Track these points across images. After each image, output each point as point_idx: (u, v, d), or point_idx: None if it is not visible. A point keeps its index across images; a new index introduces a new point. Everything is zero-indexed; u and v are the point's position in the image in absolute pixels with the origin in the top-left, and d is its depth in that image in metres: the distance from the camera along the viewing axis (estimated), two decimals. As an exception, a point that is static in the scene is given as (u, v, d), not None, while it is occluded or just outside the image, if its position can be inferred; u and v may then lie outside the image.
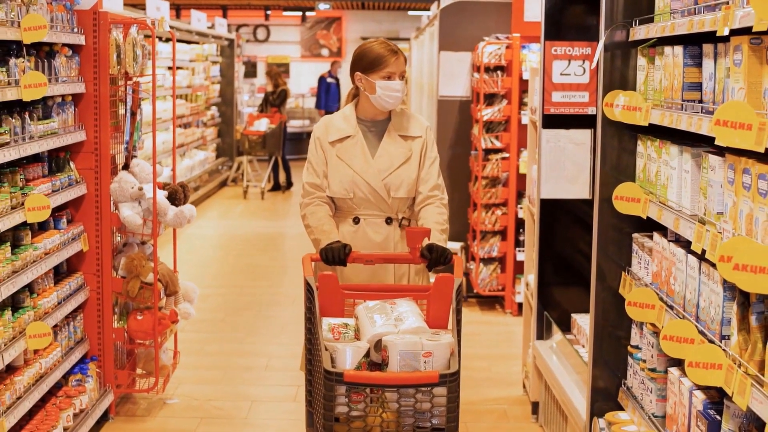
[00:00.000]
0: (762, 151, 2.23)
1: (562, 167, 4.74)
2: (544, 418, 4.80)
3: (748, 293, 2.43)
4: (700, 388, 2.83)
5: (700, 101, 2.88)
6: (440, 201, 3.80)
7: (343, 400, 2.95)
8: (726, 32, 2.48)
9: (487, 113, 7.06)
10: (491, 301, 7.31)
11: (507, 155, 7.07)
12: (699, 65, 2.88)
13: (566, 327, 4.71)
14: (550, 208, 4.86)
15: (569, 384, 4.25)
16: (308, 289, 3.26)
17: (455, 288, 3.29)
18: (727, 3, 2.52)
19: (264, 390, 5.40)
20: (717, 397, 2.75)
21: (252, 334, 6.57)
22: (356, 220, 3.77)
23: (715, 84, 2.73)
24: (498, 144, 7.08)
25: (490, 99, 7.18)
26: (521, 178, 6.78)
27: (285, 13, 20.94)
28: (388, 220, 3.78)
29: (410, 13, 20.15)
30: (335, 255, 3.50)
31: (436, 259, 3.49)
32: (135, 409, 5.01)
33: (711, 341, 2.62)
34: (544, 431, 4.75)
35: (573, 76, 4.68)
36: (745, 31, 2.38)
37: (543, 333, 4.89)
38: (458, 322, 3.21)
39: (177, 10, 17.93)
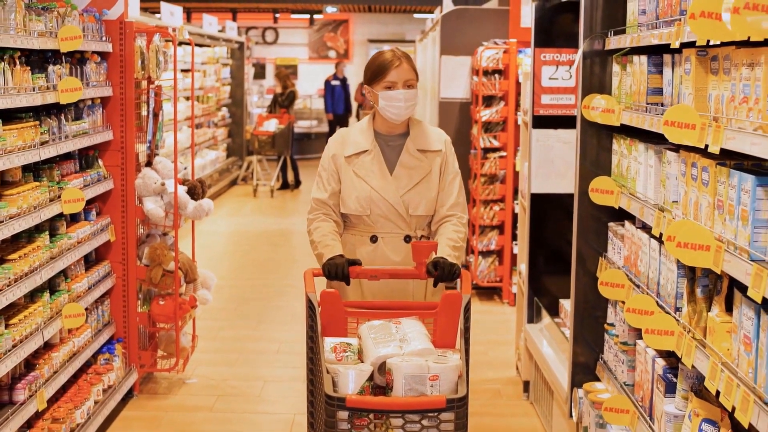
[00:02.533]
0: (703, 147, 2.63)
1: (551, 164, 5.15)
2: (534, 395, 5.20)
3: (695, 270, 2.83)
4: (661, 356, 3.23)
5: (662, 104, 3.27)
6: (458, 219, 3.64)
7: (346, 426, 2.82)
8: (678, 45, 2.88)
9: (485, 114, 7.46)
10: (489, 292, 7.72)
11: (504, 154, 7.48)
12: (660, 72, 3.28)
13: (555, 312, 5.11)
14: (540, 202, 5.27)
15: (555, 362, 4.65)
16: (310, 306, 3.13)
17: (463, 305, 3.14)
18: (680, 20, 2.92)
19: (276, 371, 5.81)
20: (674, 363, 3.14)
21: (263, 322, 6.98)
22: (374, 239, 3.62)
23: (672, 89, 3.13)
24: (496, 143, 7.48)
25: (489, 101, 7.58)
26: (517, 176, 7.18)
27: (293, 16, 21.36)
28: (407, 238, 3.63)
29: (416, 15, 20.54)
30: (337, 270, 3.36)
31: (442, 275, 3.34)
32: (157, 388, 5.42)
33: (667, 312, 3.02)
34: (534, 407, 5.15)
35: (560, 80, 5.09)
36: (693, 44, 2.78)
37: (533, 317, 5.29)
38: (466, 340, 3.09)
39: (188, 13, 18.35)
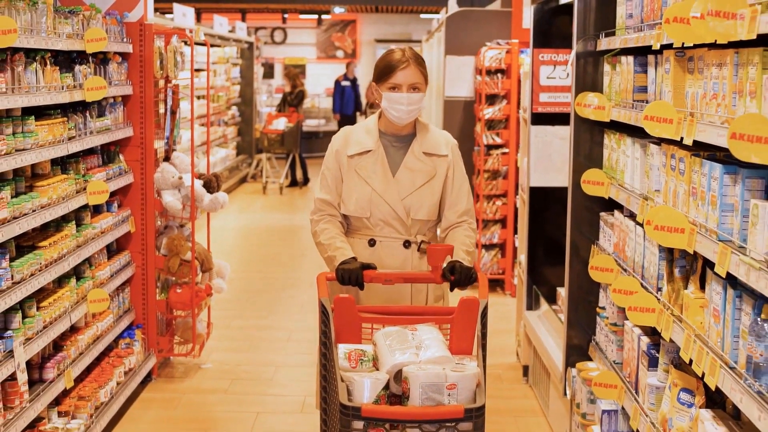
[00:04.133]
0: (679, 139, 2.89)
1: (549, 159, 5.42)
2: (532, 379, 5.47)
3: (674, 252, 3.09)
4: (646, 334, 3.49)
5: (647, 101, 3.53)
6: (468, 225, 3.58)
7: None
8: (659, 46, 3.14)
9: (488, 112, 7.73)
10: (493, 284, 7.98)
11: (507, 150, 7.74)
12: (645, 72, 3.54)
13: (553, 299, 5.37)
14: (539, 196, 5.53)
15: (551, 345, 4.91)
16: (323, 312, 3.06)
17: (480, 310, 3.07)
18: (660, 24, 3.17)
19: (286, 357, 6.08)
20: (657, 340, 3.40)
21: (273, 312, 7.25)
22: (372, 243, 3.53)
23: (656, 87, 3.38)
24: (498, 140, 7.75)
25: (492, 99, 7.85)
26: (519, 171, 7.44)
27: (301, 16, 21.65)
28: (406, 244, 3.53)
29: (422, 16, 20.80)
30: (351, 276, 3.28)
31: (459, 279, 3.28)
32: (174, 372, 5.70)
33: (649, 292, 3.29)
34: (532, 390, 5.41)
35: (558, 79, 5.35)
36: (671, 46, 3.04)
37: (532, 305, 5.56)
38: (483, 347, 3.02)
39: (198, 14, 18.64)
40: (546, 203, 5.54)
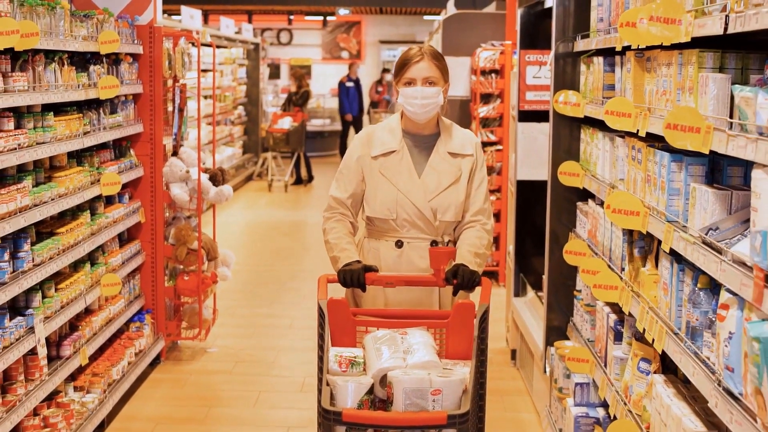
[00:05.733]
0: (635, 131, 3.20)
1: (536, 154, 5.73)
2: (519, 362, 5.78)
3: (633, 234, 3.42)
4: (614, 312, 3.81)
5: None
6: (482, 226, 3.51)
7: None
8: (621, 48, 3.45)
9: (482, 111, 8.05)
10: (487, 276, 8.27)
11: (500, 147, 8.06)
12: (613, 71, 3.86)
13: (539, 287, 5.68)
14: (526, 189, 5.85)
15: (535, 328, 5.23)
16: (320, 314, 3.04)
17: (479, 315, 3.00)
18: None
19: (288, 342, 6.41)
20: (623, 317, 3.72)
21: (276, 301, 7.59)
22: (399, 244, 3.47)
23: (621, 85, 3.70)
24: (493, 138, 8.07)
25: (486, 98, 8.17)
26: (512, 168, 7.77)
27: (307, 18, 22.00)
28: (434, 244, 3.48)
29: (425, 17, 21.12)
30: (353, 277, 3.23)
31: (462, 283, 3.22)
32: (181, 355, 6.04)
33: (614, 272, 3.60)
34: (519, 372, 5.73)
35: (543, 78, 5.67)
36: (630, 47, 3.35)
37: (519, 292, 5.88)
38: (482, 351, 2.95)
39: (205, 15, 18.97)
40: (533, 196, 5.85)
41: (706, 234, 2.55)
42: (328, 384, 2.81)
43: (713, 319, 2.59)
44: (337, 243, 3.41)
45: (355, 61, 20.45)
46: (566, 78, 4.57)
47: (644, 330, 3.09)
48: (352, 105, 17.57)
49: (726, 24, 2.35)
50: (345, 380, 2.81)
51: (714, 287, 2.62)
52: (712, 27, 2.43)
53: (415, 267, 3.44)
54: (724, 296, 2.35)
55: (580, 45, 4.34)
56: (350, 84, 17.78)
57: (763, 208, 2.06)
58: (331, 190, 3.57)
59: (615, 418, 3.50)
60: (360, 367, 2.92)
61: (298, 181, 14.91)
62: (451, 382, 2.75)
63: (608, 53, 3.92)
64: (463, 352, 3.07)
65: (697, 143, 2.49)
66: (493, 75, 8.08)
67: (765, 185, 2.07)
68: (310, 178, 14.99)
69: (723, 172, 2.80)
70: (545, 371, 4.70)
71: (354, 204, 3.54)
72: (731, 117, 2.44)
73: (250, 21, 20.18)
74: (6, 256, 3.84)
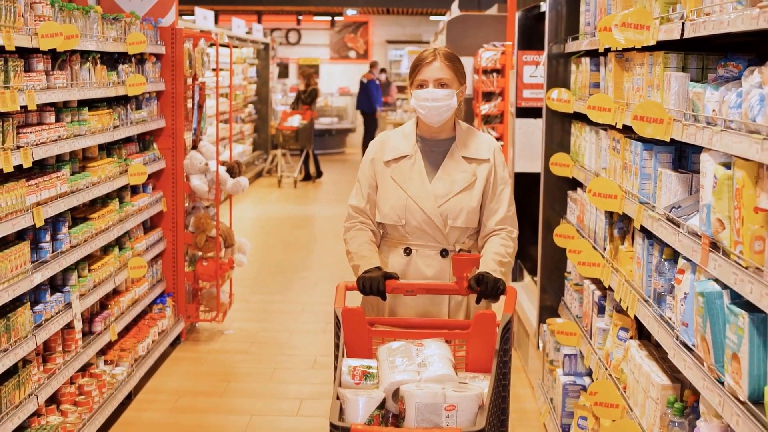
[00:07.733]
0: (614, 124, 3.59)
1: (532, 148, 6.12)
2: (517, 343, 6.17)
3: (613, 216, 3.81)
4: (599, 288, 4.19)
5: (600, 95, 4.23)
6: (507, 234, 3.36)
7: None
8: (603, 50, 3.84)
9: (484, 108, 8.44)
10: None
11: (502, 143, 8.44)
12: (598, 70, 4.25)
13: (535, 273, 6.06)
14: (523, 180, 6.24)
15: (530, 309, 5.62)
16: (337, 324, 2.96)
17: (502, 325, 2.86)
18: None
19: (301, 325, 6.82)
20: (606, 293, 4.11)
21: (289, 289, 7.99)
22: (407, 251, 3.37)
23: (605, 83, 4.09)
24: (494, 134, 8.45)
25: (488, 96, 8.56)
26: (512, 162, 8.15)
27: (315, 18, 22.40)
28: (444, 253, 3.35)
29: (431, 18, 21.50)
30: (372, 285, 3.10)
31: (485, 291, 3.07)
32: (199, 336, 6.45)
33: (597, 251, 4.00)
34: (516, 352, 6.11)
35: (539, 77, 6.06)
36: (610, 49, 3.74)
37: (516, 277, 6.27)
38: (503, 364, 2.83)
39: (216, 16, 19.35)
40: (530, 187, 6.23)
41: (670, 212, 2.94)
42: (338, 397, 2.69)
43: (674, 284, 2.98)
44: (358, 251, 3.31)
45: (376, 62, 20.50)
46: (558, 77, 4.95)
47: (620, 299, 3.48)
48: (379, 100, 17.86)
49: (683, 30, 2.74)
50: (355, 394, 2.70)
51: (676, 257, 3.02)
52: (672, 33, 2.82)
53: (422, 275, 3.33)
54: (680, 263, 2.74)
55: (571, 46, 4.73)
56: (373, 81, 17.99)
57: (708, 186, 2.45)
58: (350, 199, 3.49)
59: (597, 382, 3.89)
60: (374, 380, 2.80)
61: (307, 178, 15.30)
62: (466, 397, 2.63)
63: (594, 54, 4.31)
64: (483, 365, 2.94)
65: (660, 132, 2.88)
66: (494, 74, 8.46)
67: (710, 166, 2.46)
68: (319, 174, 15.39)
69: (688, 159, 3.19)
70: (538, 347, 5.09)
71: (373, 210, 3.46)
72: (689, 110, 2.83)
73: (259, 21, 20.56)
74: (47, 237, 4.25)
